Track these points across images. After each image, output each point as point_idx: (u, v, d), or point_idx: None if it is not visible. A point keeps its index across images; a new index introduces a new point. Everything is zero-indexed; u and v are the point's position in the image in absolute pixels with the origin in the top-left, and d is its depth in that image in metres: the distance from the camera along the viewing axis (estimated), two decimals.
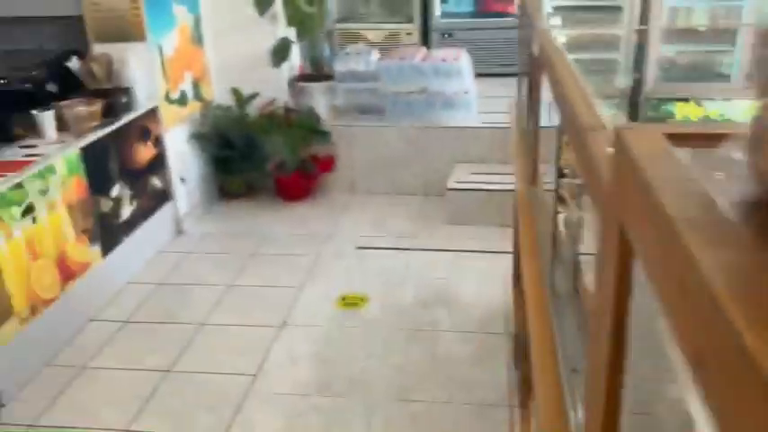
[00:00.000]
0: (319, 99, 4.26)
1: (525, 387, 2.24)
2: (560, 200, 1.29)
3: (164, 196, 3.65)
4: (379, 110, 4.24)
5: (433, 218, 3.92)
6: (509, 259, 3.19)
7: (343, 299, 3.14)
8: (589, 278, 1.27)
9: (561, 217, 1.53)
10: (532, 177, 1.70)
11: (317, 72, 4.37)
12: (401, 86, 4.12)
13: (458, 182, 3.89)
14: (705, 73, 4.91)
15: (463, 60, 4.08)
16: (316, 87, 4.27)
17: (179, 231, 3.80)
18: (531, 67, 1.76)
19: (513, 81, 5.11)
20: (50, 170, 2.76)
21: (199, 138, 3.98)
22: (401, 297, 3.14)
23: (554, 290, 1.25)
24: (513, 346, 2.50)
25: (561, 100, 1.06)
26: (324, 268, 3.43)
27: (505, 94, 4.76)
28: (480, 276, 3.28)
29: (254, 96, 4.14)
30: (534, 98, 1.62)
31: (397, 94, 4.16)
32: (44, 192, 2.71)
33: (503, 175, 3.90)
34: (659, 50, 4.89)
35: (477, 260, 3.44)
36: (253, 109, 4.17)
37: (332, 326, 2.94)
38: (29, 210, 2.61)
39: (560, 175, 1.22)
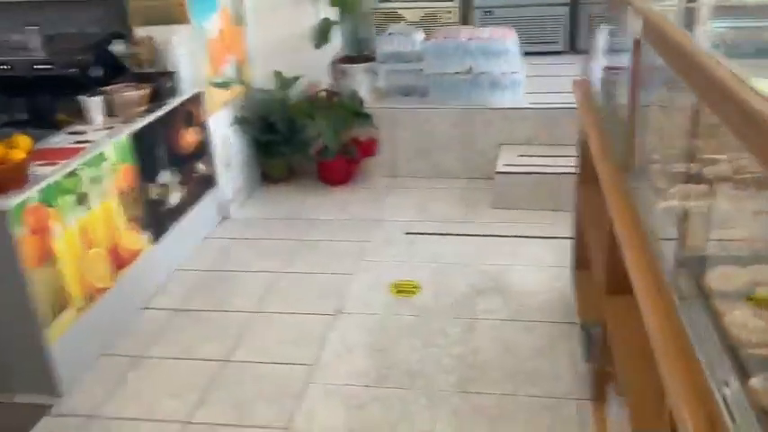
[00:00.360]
0: (361, 81, 4.17)
1: (600, 380, 2.16)
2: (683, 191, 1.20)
3: (209, 182, 3.60)
4: (423, 91, 4.14)
5: (481, 202, 3.83)
6: (565, 245, 3.10)
7: (396, 286, 3.08)
8: (717, 274, 1.19)
9: (668, 207, 1.44)
10: (627, 163, 1.60)
11: (358, 53, 4.27)
12: (446, 67, 4.01)
13: (506, 165, 3.79)
14: (756, 50, 4.73)
15: (511, 39, 3.96)
16: (357, 69, 4.18)
17: (224, 217, 3.75)
18: (624, 46, 1.66)
19: (556, 59, 4.99)
20: (101, 157, 2.71)
21: (241, 122, 3.92)
22: (454, 284, 3.07)
23: (678, 289, 1.17)
24: (582, 338, 2.41)
25: (704, 84, 0.96)
26: (373, 254, 3.37)
27: (550, 73, 4.65)
28: (535, 263, 3.20)
29: (296, 79, 4.05)
30: (634, 80, 1.52)
31: (442, 75, 4.05)
32: (96, 179, 2.66)
33: (552, 158, 3.81)
34: (709, 27, 4.73)
35: (530, 246, 3.35)
36: (295, 92, 4.09)
37: (386, 314, 2.87)
38: (82, 198, 2.57)
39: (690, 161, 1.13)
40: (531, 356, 2.57)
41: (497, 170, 3.76)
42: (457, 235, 3.51)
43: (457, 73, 4.02)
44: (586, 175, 2.63)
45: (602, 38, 2.25)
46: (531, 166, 3.74)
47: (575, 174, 2.88)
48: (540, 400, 2.36)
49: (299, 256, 3.38)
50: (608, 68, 2.05)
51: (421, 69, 4.10)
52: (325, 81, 4.18)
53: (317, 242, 3.52)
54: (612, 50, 1.99)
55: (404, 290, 3.05)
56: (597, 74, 2.30)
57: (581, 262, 2.82)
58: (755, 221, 1.37)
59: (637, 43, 1.46)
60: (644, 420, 1.53)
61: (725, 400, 0.92)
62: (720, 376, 0.96)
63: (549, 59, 5.00)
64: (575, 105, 3.89)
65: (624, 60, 1.71)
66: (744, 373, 0.96)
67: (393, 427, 2.26)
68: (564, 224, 3.39)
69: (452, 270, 3.18)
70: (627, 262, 1.41)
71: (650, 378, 1.60)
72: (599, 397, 2.18)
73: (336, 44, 4.36)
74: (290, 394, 2.43)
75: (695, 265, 1.19)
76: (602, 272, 2.00)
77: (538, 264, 3.19)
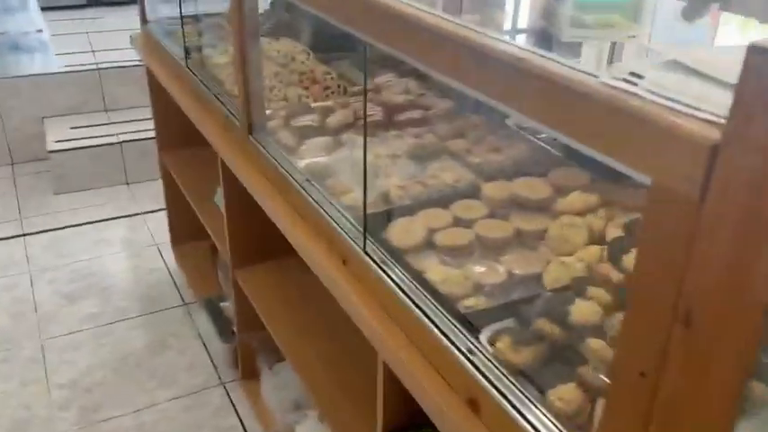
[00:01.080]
0: None
1: (245, 357, 2.02)
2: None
3: None
4: None
5: (38, 190, 3.18)
6: (157, 219, 2.81)
7: None
8: (397, 229, 1.12)
9: (311, 164, 1.32)
10: (246, 123, 1.41)
11: None
12: None
13: (58, 141, 3.20)
14: None
15: None
16: None
17: None
18: None
19: (77, 14, 4.38)
20: None
21: None
22: (36, 297, 2.49)
23: (366, 252, 1.05)
24: (211, 317, 2.20)
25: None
26: None
27: (77, 30, 4.07)
28: (126, 247, 2.81)
29: None
30: (240, 29, 1.31)
31: None
32: None
33: (109, 126, 3.38)
34: None
35: (115, 229, 2.93)
36: None
37: None
38: None
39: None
40: (156, 354, 2.26)
41: (49, 149, 3.16)
42: (18, 236, 2.85)
43: None
44: (170, 139, 2.37)
45: None
46: (90, 139, 3.25)
47: (151, 139, 2.56)
48: (181, 400, 2.09)
49: None
50: (186, 17, 1.79)
51: None
52: None
53: None
54: None
55: None
56: (165, 25, 2.01)
57: (181, 235, 2.58)
58: (397, 165, 1.34)
59: None
60: (321, 386, 1.44)
61: (474, 366, 0.84)
62: (459, 342, 0.88)
63: (67, 15, 4.37)
64: (124, 64, 3.50)
65: (214, 6, 1.49)
66: (474, 330, 0.91)
67: None
68: (145, 197, 3.08)
69: (27, 280, 2.58)
70: (287, 232, 1.25)
71: (319, 344, 1.51)
72: (248, 375, 2.03)
73: None
74: None
75: (373, 223, 1.10)
76: (226, 245, 1.81)
77: (130, 247, 2.81)
